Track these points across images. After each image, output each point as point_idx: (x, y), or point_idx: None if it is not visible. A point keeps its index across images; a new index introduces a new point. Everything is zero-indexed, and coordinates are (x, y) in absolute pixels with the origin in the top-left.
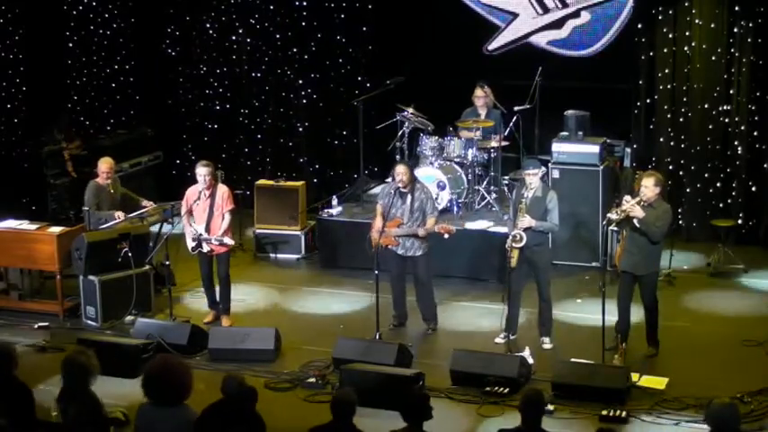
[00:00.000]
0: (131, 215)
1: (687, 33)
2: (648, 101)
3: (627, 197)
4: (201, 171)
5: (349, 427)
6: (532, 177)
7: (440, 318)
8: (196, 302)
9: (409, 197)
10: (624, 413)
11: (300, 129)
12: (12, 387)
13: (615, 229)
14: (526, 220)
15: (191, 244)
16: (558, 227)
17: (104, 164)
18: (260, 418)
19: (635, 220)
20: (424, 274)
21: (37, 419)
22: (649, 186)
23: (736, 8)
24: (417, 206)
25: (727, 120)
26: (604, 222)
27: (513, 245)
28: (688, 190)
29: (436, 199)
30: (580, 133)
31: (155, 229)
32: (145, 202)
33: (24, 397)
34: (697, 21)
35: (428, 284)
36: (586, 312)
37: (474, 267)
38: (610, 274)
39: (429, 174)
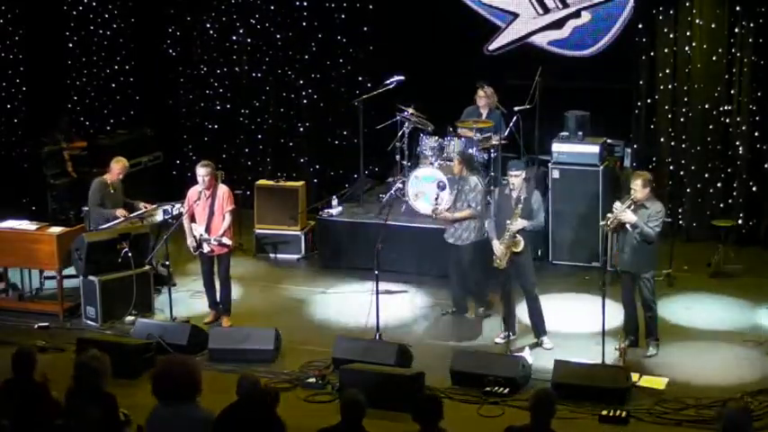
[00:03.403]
0: (132, 215)
1: (688, 33)
2: (648, 101)
3: (617, 204)
4: (201, 172)
5: (358, 428)
6: (515, 179)
7: (439, 317)
8: (196, 302)
9: (457, 187)
10: (624, 413)
11: (301, 129)
12: (29, 389)
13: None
14: (519, 223)
15: (192, 244)
16: (543, 224)
17: (119, 164)
18: (280, 420)
19: (628, 225)
20: (464, 262)
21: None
22: (638, 189)
23: (737, 8)
24: (460, 197)
25: (727, 120)
26: (604, 222)
27: (514, 249)
28: (688, 190)
29: (436, 199)
30: (580, 133)
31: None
32: (142, 204)
33: (43, 399)
34: (698, 21)
35: (468, 273)
36: (586, 312)
37: None
38: (610, 274)
39: (429, 174)
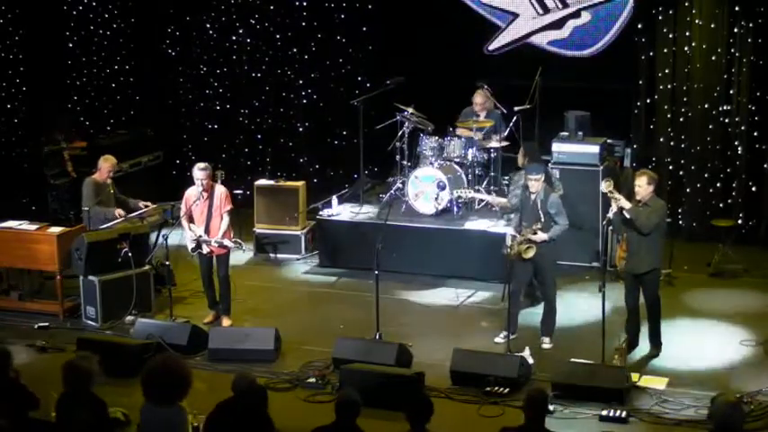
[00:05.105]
0: (132, 215)
1: (687, 33)
2: (648, 101)
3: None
4: (198, 175)
5: (352, 427)
6: (534, 183)
7: (439, 318)
8: (196, 302)
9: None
10: (624, 413)
11: (300, 129)
12: (7, 388)
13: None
14: (539, 236)
15: (190, 245)
16: (568, 225)
17: (108, 162)
18: (270, 420)
19: (624, 212)
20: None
21: (32, 419)
22: (643, 186)
23: (737, 8)
24: (510, 187)
25: (727, 120)
26: (604, 222)
27: (524, 255)
28: (688, 190)
29: (436, 199)
30: (580, 133)
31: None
32: (140, 203)
33: (21, 398)
34: (697, 21)
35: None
36: (586, 312)
37: (474, 267)
38: (610, 274)
39: (429, 174)
